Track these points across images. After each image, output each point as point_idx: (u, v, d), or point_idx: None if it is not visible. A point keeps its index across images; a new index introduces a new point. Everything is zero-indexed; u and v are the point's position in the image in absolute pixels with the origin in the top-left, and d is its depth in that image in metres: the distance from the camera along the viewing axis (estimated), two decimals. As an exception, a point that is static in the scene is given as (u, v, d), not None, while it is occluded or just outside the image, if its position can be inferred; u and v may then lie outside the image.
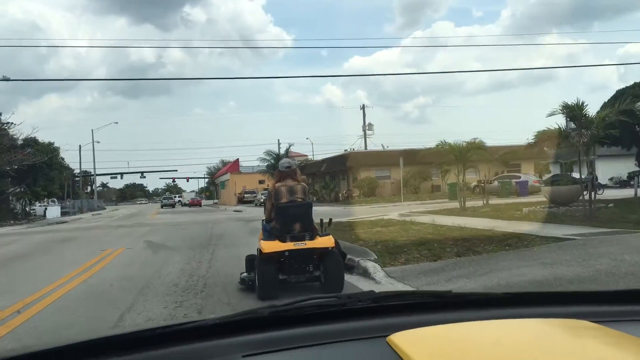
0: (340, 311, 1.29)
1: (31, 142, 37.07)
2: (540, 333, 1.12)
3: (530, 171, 44.55)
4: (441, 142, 18.72)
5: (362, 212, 23.69)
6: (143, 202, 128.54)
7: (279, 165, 6.69)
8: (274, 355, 1.09)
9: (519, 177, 36.73)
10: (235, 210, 39.75)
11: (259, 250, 6.16)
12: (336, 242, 6.34)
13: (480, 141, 19.11)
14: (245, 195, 59.59)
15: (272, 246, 5.98)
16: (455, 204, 26.39)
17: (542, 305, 1.38)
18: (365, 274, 7.32)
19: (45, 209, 47.24)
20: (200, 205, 66.73)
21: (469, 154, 18.60)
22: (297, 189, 6.37)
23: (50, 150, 37.61)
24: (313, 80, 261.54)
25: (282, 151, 55.62)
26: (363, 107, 63.03)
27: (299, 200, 6.32)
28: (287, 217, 6.17)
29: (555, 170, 42.68)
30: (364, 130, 62.30)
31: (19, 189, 39.40)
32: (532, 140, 12.99)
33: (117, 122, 70.65)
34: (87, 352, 1.08)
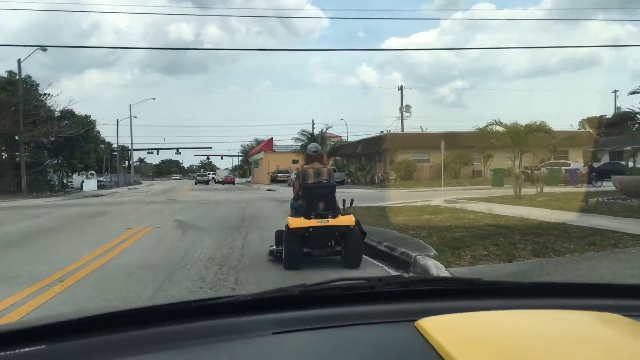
0: (369, 294, 1.28)
1: (68, 114, 36.91)
2: (571, 325, 1.09)
3: (578, 159, 42.15)
4: (494, 121, 16.99)
5: (402, 197, 22.41)
6: (178, 177, 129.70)
7: (307, 149, 7.28)
8: (303, 334, 1.09)
9: (569, 165, 34.53)
10: (268, 190, 39.01)
11: (287, 226, 6.78)
12: (357, 221, 6.83)
13: (542, 123, 17.34)
14: (279, 174, 58.79)
15: (298, 222, 6.62)
16: (500, 191, 24.84)
17: (574, 297, 1.33)
18: (425, 274, 6.13)
19: (82, 181, 47.56)
20: (233, 183, 66.45)
21: (527, 137, 16.85)
22: (323, 171, 6.97)
23: (86, 123, 37.36)
24: (348, 61, 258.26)
25: (317, 132, 54.56)
26: (401, 88, 61.22)
27: (324, 181, 6.91)
28: (312, 197, 6.78)
29: (604, 158, 40.37)
30: (401, 112, 60.57)
31: (56, 161, 39.53)
32: (609, 121, 11.39)
33: (154, 98, 71.35)
34: (119, 323, 1.08)
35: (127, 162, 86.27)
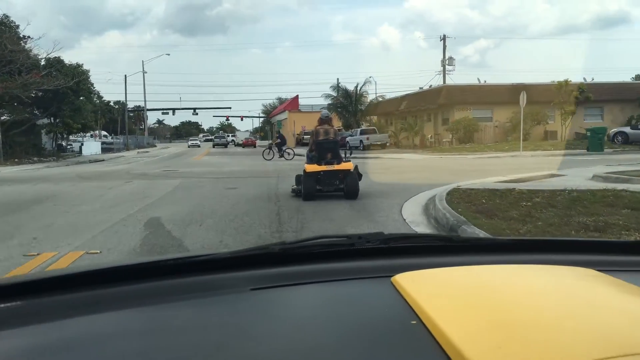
0: (348, 251, 1.29)
1: (54, 63, 30.27)
2: (543, 279, 1.09)
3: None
4: None
5: (486, 168, 15.49)
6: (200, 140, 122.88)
7: (321, 114, 10.02)
8: (281, 290, 1.09)
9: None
10: (297, 155, 32.29)
11: (304, 170, 9.31)
12: (355, 167, 9.38)
13: None
14: (305, 136, 51.71)
15: (313, 168, 9.20)
16: (604, 157, 17.90)
17: (551, 253, 1.34)
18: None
19: (81, 144, 41.43)
20: (254, 146, 59.92)
21: None
22: (330, 131, 9.67)
23: (77, 73, 30.64)
24: (370, 21, 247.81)
25: (351, 88, 47.22)
26: (443, 38, 53.22)
27: (331, 138, 9.57)
28: (322, 149, 9.44)
29: None
30: (443, 65, 52.70)
31: (47, 121, 33.29)
32: None
33: (169, 54, 65.48)
34: (99, 280, 1.07)
35: (143, 123, 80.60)
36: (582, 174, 12.43)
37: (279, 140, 28.35)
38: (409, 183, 11.82)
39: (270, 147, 27.72)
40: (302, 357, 0.80)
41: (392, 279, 1.06)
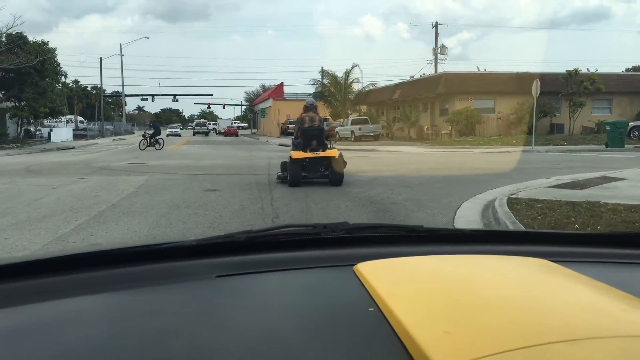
0: (314, 239, 1.29)
1: (16, 39, 27.19)
2: (498, 268, 1.12)
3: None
4: None
5: (503, 165, 13.20)
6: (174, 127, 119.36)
7: (306, 102, 10.25)
8: (246, 277, 1.10)
9: None
10: (281, 145, 29.89)
11: (290, 157, 9.61)
12: (340, 154, 9.59)
13: None
14: (290, 125, 48.91)
15: (298, 154, 9.43)
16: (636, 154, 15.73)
17: (509, 244, 1.37)
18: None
19: (50, 130, 38.30)
20: (237, 135, 57.11)
21: None
22: (315, 118, 9.75)
23: (41, 52, 27.58)
24: (353, 11, 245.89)
25: (341, 74, 44.55)
26: (436, 25, 51.08)
27: (316, 125, 9.67)
28: (307, 136, 9.56)
29: None
30: (435, 54, 50.53)
31: (11, 104, 30.17)
32: None
33: (148, 37, 61.94)
34: (66, 266, 1.06)
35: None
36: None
37: (152, 130, 27.84)
38: (433, 185, 9.45)
39: (145, 137, 27.23)
40: (260, 342, 0.81)
41: (354, 267, 1.07)
